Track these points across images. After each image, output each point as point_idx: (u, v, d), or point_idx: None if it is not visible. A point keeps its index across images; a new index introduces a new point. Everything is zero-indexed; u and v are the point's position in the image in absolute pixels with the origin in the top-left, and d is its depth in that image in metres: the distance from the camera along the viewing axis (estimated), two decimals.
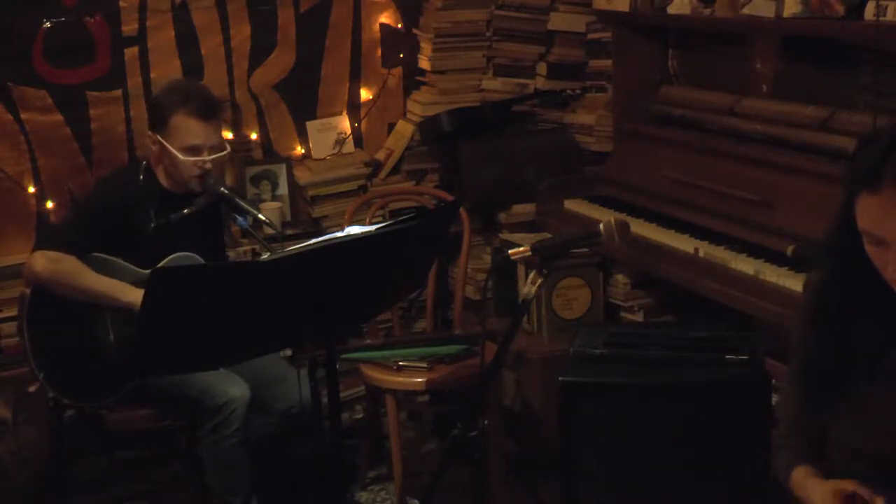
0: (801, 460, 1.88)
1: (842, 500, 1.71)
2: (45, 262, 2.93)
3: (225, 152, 3.10)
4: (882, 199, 1.62)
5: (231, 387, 2.93)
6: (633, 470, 2.73)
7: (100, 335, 2.99)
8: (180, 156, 2.98)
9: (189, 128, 2.99)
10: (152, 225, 3.03)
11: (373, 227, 2.44)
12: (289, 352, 3.56)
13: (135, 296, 2.89)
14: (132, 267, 3.01)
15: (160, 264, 2.98)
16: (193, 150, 2.99)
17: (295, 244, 2.41)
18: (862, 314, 1.76)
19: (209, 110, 3.02)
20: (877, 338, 1.75)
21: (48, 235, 3.08)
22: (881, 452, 1.76)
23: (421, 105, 4.09)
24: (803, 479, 1.84)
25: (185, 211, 3.03)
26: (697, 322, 3.20)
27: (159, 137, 3.02)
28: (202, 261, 3.06)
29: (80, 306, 2.96)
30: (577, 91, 4.15)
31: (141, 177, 3.09)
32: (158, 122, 3.03)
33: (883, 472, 1.75)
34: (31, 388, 3.35)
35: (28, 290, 3.00)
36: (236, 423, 2.92)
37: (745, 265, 2.92)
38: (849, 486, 1.72)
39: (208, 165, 3.01)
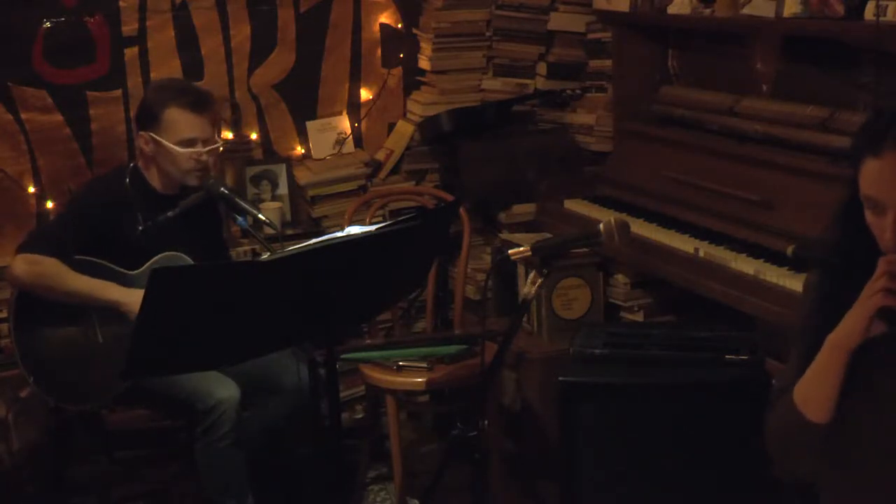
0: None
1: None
2: (25, 265, 2.94)
3: (218, 145, 3.11)
4: (883, 163, 1.69)
5: (220, 389, 2.92)
6: (632, 470, 2.73)
7: (88, 337, 2.99)
8: (177, 148, 2.98)
9: (184, 120, 2.99)
10: (140, 228, 3.02)
11: (373, 227, 2.44)
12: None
13: (118, 293, 2.90)
14: (119, 269, 3.01)
15: (147, 264, 2.98)
16: (189, 142, 3.00)
17: (295, 244, 2.41)
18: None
19: (201, 104, 3.04)
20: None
21: (30, 239, 3.07)
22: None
23: (421, 105, 4.09)
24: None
25: (170, 213, 3.01)
26: (697, 322, 3.20)
27: (152, 135, 3.01)
28: (190, 260, 3.05)
29: (66, 309, 2.96)
30: (577, 91, 4.14)
31: (127, 179, 3.09)
32: (150, 119, 3.02)
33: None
34: (23, 394, 3.34)
35: (14, 293, 3.00)
36: (227, 425, 2.91)
37: (745, 265, 2.91)
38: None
39: (204, 157, 3.02)
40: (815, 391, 1.79)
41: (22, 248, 3.00)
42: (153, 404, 3.12)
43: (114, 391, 2.96)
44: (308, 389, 2.63)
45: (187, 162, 3.00)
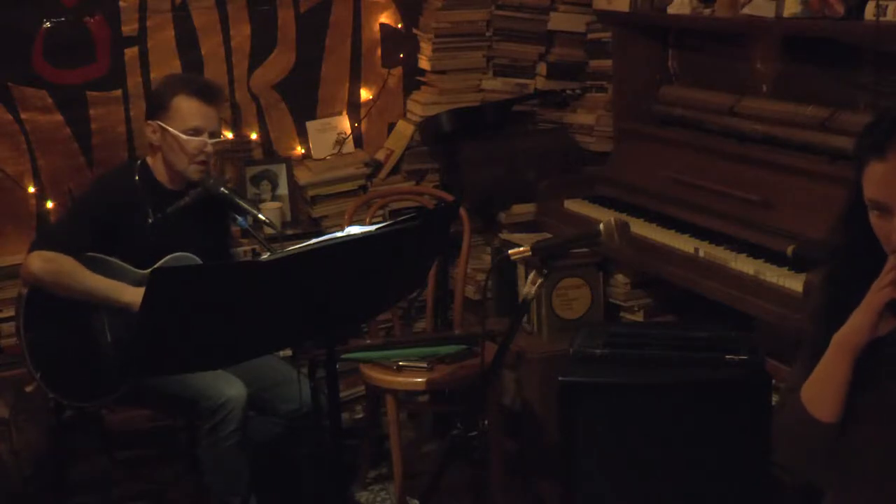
0: None
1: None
2: (41, 262, 2.93)
3: (224, 140, 3.11)
4: (887, 165, 1.69)
5: (228, 387, 2.93)
6: (633, 470, 2.73)
7: (97, 335, 2.99)
8: (183, 136, 2.99)
9: (191, 108, 3.01)
10: (150, 221, 3.03)
11: (373, 228, 2.44)
12: (289, 352, 3.55)
13: (133, 296, 2.89)
14: (130, 267, 3.01)
15: (158, 265, 2.98)
16: (195, 131, 3.01)
17: (295, 244, 2.41)
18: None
19: (210, 93, 3.06)
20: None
21: (44, 236, 3.08)
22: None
23: (421, 105, 4.09)
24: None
25: (181, 203, 3.03)
26: (697, 322, 3.19)
27: (160, 123, 3.02)
28: (199, 261, 3.05)
29: (77, 306, 2.96)
30: (577, 91, 4.15)
31: (136, 175, 3.09)
32: (159, 107, 3.04)
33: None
34: (29, 388, 3.36)
35: (25, 290, 3.01)
36: (234, 424, 2.92)
37: (745, 265, 2.92)
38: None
39: (209, 148, 3.03)
40: (822, 390, 1.79)
41: (36, 245, 3.01)
42: (156, 403, 3.11)
43: (120, 390, 2.97)
44: (309, 405, 2.63)
45: (192, 151, 3.01)
